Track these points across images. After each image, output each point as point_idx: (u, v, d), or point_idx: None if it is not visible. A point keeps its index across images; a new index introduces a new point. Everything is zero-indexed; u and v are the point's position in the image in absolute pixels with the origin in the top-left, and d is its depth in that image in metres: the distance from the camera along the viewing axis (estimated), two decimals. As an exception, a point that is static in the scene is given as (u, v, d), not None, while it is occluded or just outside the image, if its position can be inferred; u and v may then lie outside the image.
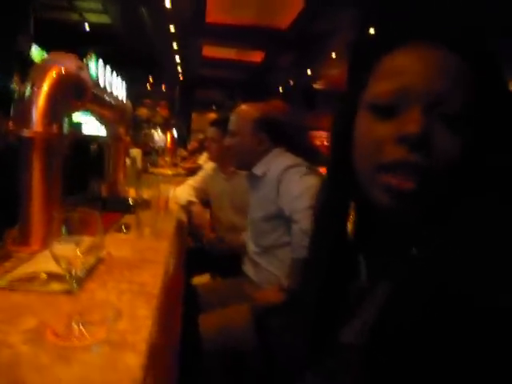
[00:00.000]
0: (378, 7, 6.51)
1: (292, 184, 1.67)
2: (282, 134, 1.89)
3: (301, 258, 1.59)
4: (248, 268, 1.88)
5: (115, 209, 2.11)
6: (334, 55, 9.47)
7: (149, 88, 15.95)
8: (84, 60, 1.61)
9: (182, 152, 8.34)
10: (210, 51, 11.51)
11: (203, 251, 2.75)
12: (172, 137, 8.00)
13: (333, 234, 0.70)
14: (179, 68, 13.37)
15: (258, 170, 1.81)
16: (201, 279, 2.49)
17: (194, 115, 16.23)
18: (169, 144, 7.49)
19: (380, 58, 0.61)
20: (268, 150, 1.82)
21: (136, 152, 3.59)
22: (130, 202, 2.13)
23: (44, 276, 1.03)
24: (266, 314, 1.52)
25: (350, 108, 0.65)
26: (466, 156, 0.54)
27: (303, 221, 1.59)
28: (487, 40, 0.58)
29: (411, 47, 0.59)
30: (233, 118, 1.91)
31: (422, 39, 0.59)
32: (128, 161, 3.00)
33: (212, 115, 16.52)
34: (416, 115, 0.54)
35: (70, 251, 0.79)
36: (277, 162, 1.76)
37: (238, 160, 1.94)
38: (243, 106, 1.92)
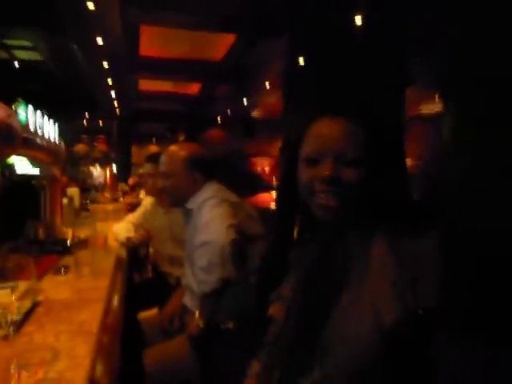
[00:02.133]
0: (307, 39, 6.85)
1: (202, 216, 1.79)
2: (215, 170, 1.98)
3: (203, 293, 1.70)
4: (186, 298, 1.92)
5: (53, 251, 2.10)
6: (267, 85, 9.77)
7: (85, 124, 15.68)
8: (13, 106, 1.62)
9: (124, 187, 8.25)
10: (147, 85, 11.53)
11: (149, 286, 2.76)
12: (111, 172, 7.93)
13: (286, 235, 1.08)
14: (116, 103, 13.26)
15: (190, 204, 1.89)
16: (148, 313, 2.49)
17: (134, 149, 16.05)
18: (108, 179, 7.41)
19: (308, 129, 0.98)
20: (201, 186, 1.90)
21: (73, 191, 3.56)
22: (68, 243, 2.13)
23: (-21, 324, 1.04)
24: (203, 342, 1.59)
25: (292, 159, 1.00)
26: (363, 184, 0.90)
27: (198, 259, 1.73)
28: (375, 112, 1.01)
29: (325, 121, 0.96)
30: (163, 159, 1.96)
31: (332, 116, 0.96)
32: (65, 200, 2.98)
33: (152, 148, 16.42)
34: (328, 165, 0.91)
35: (4, 297, 0.83)
36: (201, 196, 1.85)
37: (173, 199, 2.00)
38: (172, 147, 1.98)
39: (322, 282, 0.92)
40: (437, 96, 8.21)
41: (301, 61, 7.50)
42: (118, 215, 3.81)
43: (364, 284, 0.84)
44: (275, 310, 1.01)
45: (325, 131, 0.96)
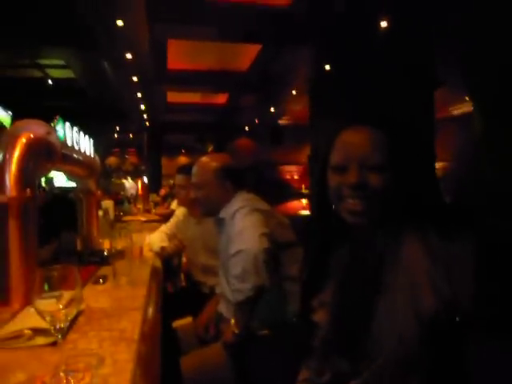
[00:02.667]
0: (333, 46, 6.87)
1: (235, 225, 1.81)
2: (245, 178, 2.01)
3: (238, 301, 1.71)
4: (221, 306, 1.96)
5: (91, 261, 2.17)
6: (294, 92, 9.82)
7: (116, 137, 16.04)
8: (52, 123, 1.70)
9: (155, 197, 8.40)
10: (175, 97, 11.75)
11: (183, 295, 2.80)
12: (143, 183, 8.08)
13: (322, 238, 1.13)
14: (145, 115, 13.54)
15: (222, 213, 1.92)
16: (183, 322, 2.53)
17: (163, 160, 16.33)
18: (140, 191, 7.56)
19: (336, 138, 1.04)
20: (232, 195, 1.93)
21: (108, 203, 3.66)
22: (105, 254, 2.20)
23: (29, 332, 1.10)
24: (239, 349, 1.61)
25: (323, 167, 1.06)
26: (389, 187, 0.95)
27: (232, 268, 1.74)
28: (398, 118, 1.04)
29: (351, 130, 1.03)
30: (195, 171, 2.01)
31: (357, 124, 1.03)
32: (100, 212, 3.07)
33: (182, 159, 16.64)
34: (354, 172, 0.97)
35: (52, 306, 0.87)
36: (233, 205, 1.88)
37: (206, 209, 2.04)
38: (204, 159, 2.02)
39: (357, 283, 0.98)
40: (466, 97, 8.07)
41: (327, 67, 7.51)
42: (151, 226, 3.89)
43: (399, 279, 0.89)
44: (320, 316, 1.06)
45: (350, 140, 1.02)
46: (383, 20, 5.87)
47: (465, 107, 8.94)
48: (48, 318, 0.87)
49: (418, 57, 6.04)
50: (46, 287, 0.89)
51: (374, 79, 5.98)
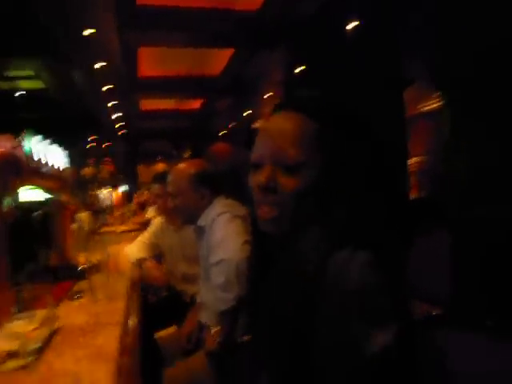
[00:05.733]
0: (304, 48, 6.91)
1: (216, 232, 1.79)
2: (222, 184, 1.99)
3: (221, 311, 1.68)
4: (202, 315, 1.93)
5: (67, 277, 2.12)
6: (267, 95, 9.83)
7: (91, 147, 15.83)
8: (19, 138, 1.65)
9: (132, 206, 8.30)
10: (149, 104, 11.65)
11: (164, 305, 2.77)
12: (119, 193, 7.98)
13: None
14: (120, 124, 13.40)
15: (201, 221, 1.90)
16: (165, 332, 2.49)
17: (141, 168, 16.18)
18: (116, 201, 7.48)
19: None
20: (210, 202, 1.91)
21: (83, 216, 3.59)
22: (81, 268, 2.15)
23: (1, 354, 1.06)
24: (221, 357, 1.59)
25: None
26: (306, 192, 0.77)
27: (215, 277, 1.72)
28: (334, 104, 0.84)
29: (275, 117, 0.84)
30: (170, 179, 1.98)
31: (285, 111, 0.83)
32: (76, 225, 3.01)
33: (159, 166, 16.51)
34: (266, 170, 0.79)
35: (23, 327, 0.85)
36: (212, 212, 1.86)
37: (184, 217, 2.01)
38: (179, 166, 1.99)
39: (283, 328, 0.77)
40: (435, 93, 8.20)
41: (299, 69, 7.55)
42: (128, 236, 3.83)
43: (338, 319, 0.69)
44: None
45: (268, 130, 0.82)
46: (351, 22, 5.93)
47: (434, 104, 9.10)
48: (18, 341, 0.84)
49: (386, 57, 6.12)
50: (17, 308, 0.87)
51: (344, 80, 6.03)
